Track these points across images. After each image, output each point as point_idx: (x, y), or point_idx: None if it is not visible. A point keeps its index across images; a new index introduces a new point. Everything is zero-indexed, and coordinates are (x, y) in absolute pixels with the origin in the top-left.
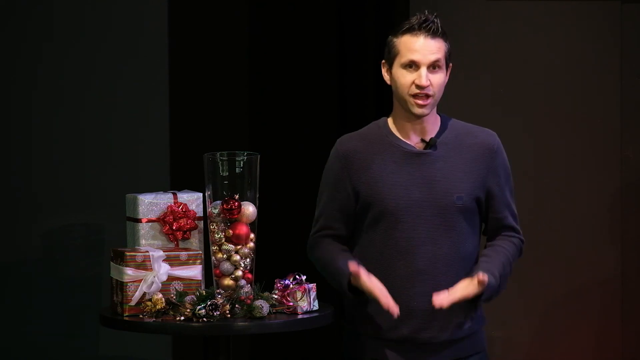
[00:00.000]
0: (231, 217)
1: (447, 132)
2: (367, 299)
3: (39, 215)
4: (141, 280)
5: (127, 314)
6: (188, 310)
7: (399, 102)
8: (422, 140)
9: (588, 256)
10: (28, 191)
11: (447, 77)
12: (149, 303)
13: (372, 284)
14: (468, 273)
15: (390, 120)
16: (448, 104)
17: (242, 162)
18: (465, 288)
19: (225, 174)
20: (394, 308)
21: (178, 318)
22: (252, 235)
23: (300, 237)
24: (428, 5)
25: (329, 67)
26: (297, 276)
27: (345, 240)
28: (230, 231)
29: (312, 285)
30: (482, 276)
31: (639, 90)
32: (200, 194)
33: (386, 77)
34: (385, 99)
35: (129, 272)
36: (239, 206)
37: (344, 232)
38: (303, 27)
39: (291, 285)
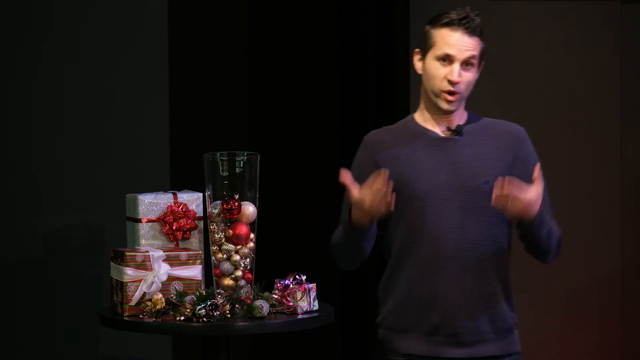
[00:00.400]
0: (231, 217)
1: (473, 124)
2: (389, 278)
3: (39, 215)
4: (141, 280)
5: (127, 314)
6: (188, 310)
7: (427, 94)
8: (448, 129)
9: (588, 256)
10: (28, 191)
11: (477, 75)
12: (149, 303)
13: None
14: (500, 263)
15: (417, 115)
16: None
17: (242, 162)
18: (522, 185)
19: (225, 174)
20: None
21: (178, 318)
22: (252, 235)
23: (301, 237)
24: (428, 6)
25: (329, 67)
26: (297, 276)
27: None
28: (230, 231)
29: (312, 285)
30: (538, 172)
31: (639, 90)
32: (200, 194)
33: (417, 65)
34: (385, 99)
35: (129, 272)
36: (239, 206)
37: None
38: (303, 27)
39: (291, 285)
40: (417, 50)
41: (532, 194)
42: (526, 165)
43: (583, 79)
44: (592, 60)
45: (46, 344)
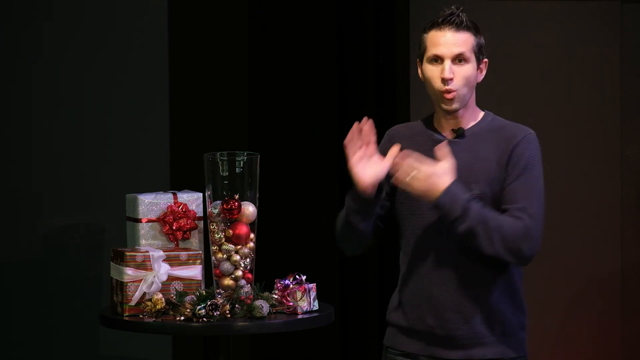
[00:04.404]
0: (231, 217)
1: (482, 125)
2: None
3: (39, 215)
4: (141, 280)
5: (127, 314)
6: (188, 310)
7: (432, 97)
8: (453, 130)
9: (588, 256)
10: (28, 191)
11: (482, 74)
12: (149, 303)
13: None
14: (497, 266)
15: (435, 114)
16: None
17: (242, 162)
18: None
19: (225, 174)
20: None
21: (178, 318)
22: (252, 235)
23: (301, 237)
24: (428, 5)
25: (329, 67)
26: (297, 276)
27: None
28: (230, 231)
29: (312, 285)
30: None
31: (639, 90)
32: (200, 194)
33: (420, 74)
34: (385, 99)
35: (129, 272)
36: (239, 206)
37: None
38: (303, 27)
39: (291, 285)
40: (417, 60)
41: (434, 166)
42: (513, 166)
43: (583, 78)
44: (592, 60)
45: (46, 344)
